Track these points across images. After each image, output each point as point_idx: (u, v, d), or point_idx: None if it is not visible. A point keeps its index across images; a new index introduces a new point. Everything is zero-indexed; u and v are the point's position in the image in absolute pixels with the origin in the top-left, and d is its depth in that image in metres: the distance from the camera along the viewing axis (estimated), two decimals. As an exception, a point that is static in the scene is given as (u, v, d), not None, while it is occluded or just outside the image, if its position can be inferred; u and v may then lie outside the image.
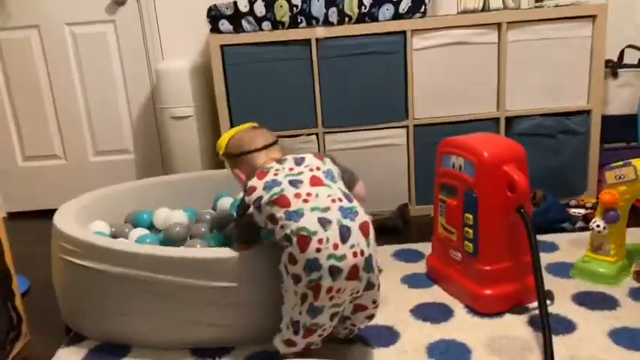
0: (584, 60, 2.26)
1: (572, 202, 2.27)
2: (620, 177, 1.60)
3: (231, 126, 2.30)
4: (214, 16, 2.23)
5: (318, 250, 1.14)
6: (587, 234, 1.72)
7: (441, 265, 1.70)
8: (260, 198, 1.26)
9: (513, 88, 2.28)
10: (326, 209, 1.20)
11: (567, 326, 1.43)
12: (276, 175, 1.28)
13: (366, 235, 1.20)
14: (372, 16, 2.21)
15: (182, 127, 2.41)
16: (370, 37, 2.21)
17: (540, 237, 1.74)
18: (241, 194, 1.36)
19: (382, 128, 2.30)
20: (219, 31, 2.24)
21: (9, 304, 1.49)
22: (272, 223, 1.23)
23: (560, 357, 1.30)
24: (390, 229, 2.17)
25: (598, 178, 2.35)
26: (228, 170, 1.49)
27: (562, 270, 1.74)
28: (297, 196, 1.22)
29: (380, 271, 1.27)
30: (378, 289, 1.25)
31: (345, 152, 2.30)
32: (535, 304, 1.42)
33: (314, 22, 2.21)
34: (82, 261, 1.45)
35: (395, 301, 1.61)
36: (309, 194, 1.22)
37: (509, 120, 2.31)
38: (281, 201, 1.22)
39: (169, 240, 1.67)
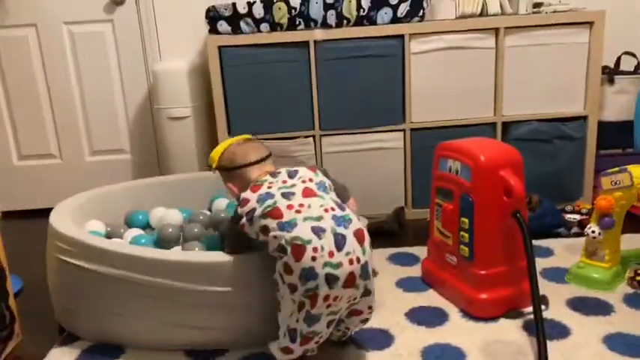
0: (581, 66, 2.27)
1: (568, 208, 2.28)
2: (615, 183, 1.61)
3: (229, 127, 2.30)
4: (213, 17, 2.22)
5: (314, 258, 1.14)
6: (582, 239, 1.73)
7: (436, 268, 1.70)
8: (253, 210, 1.26)
9: (510, 93, 2.28)
10: (319, 218, 1.20)
11: (562, 331, 1.43)
12: (269, 188, 1.29)
13: (361, 242, 1.20)
14: (370, 20, 2.21)
15: (179, 128, 2.40)
16: (368, 41, 2.21)
17: (536, 242, 1.74)
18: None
19: (379, 131, 2.30)
20: (218, 32, 2.24)
21: (2, 303, 1.48)
22: (264, 235, 1.23)
23: (554, 362, 1.31)
24: (386, 232, 2.17)
25: (594, 184, 2.36)
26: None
27: (557, 275, 1.74)
28: (290, 207, 1.22)
29: (375, 274, 1.27)
30: (374, 295, 1.25)
31: (341, 155, 2.30)
32: (530, 308, 1.42)
33: (312, 24, 2.21)
34: (77, 261, 1.44)
35: (390, 305, 1.61)
36: (301, 205, 1.23)
37: (506, 125, 2.32)
38: (274, 213, 1.22)
39: (161, 241, 1.66)
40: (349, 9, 2.19)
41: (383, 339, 1.44)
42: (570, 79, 2.28)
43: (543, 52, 2.24)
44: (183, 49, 2.60)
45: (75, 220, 1.61)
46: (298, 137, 2.29)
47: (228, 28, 2.23)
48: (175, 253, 1.46)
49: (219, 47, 2.22)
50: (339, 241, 1.17)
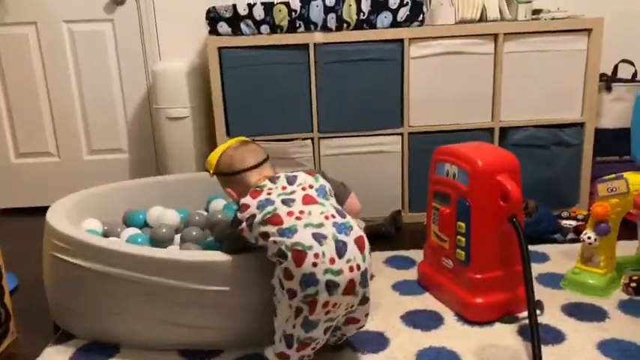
0: (578, 73, 2.28)
1: (564, 214, 2.28)
2: (612, 190, 1.61)
3: (227, 128, 2.30)
4: (213, 18, 2.23)
5: (315, 264, 1.14)
6: (578, 245, 1.73)
7: (432, 272, 1.70)
8: (253, 216, 1.26)
9: (508, 99, 2.29)
10: (320, 225, 1.20)
11: (557, 336, 1.44)
12: (269, 194, 1.29)
13: (361, 249, 1.20)
14: (370, 23, 2.22)
15: (177, 128, 2.40)
16: (368, 44, 2.21)
17: (532, 247, 1.75)
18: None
19: (377, 135, 2.31)
20: (218, 34, 2.24)
21: (-3, 300, 1.48)
22: (264, 240, 1.23)
23: (548, 367, 1.31)
24: (383, 235, 2.17)
25: (590, 191, 2.37)
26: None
27: (552, 281, 1.75)
28: (290, 214, 1.22)
29: (371, 277, 1.28)
30: (370, 302, 1.26)
31: (339, 158, 2.31)
32: (525, 313, 1.42)
33: (312, 27, 2.22)
34: (73, 259, 1.44)
35: (386, 308, 1.61)
36: (301, 212, 1.23)
37: (504, 130, 2.33)
38: (274, 220, 1.22)
39: (155, 241, 1.66)
40: (349, 13, 2.20)
41: (378, 342, 1.44)
42: (568, 86, 2.29)
43: (541, 58, 2.25)
44: (183, 50, 2.60)
45: (71, 219, 1.61)
46: (296, 139, 2.30)
47: (229, 30, 2.23)
48: (172, 252, 1.46)
49: (219, 48, 2.23)
50: (340, 248, 1.17)
